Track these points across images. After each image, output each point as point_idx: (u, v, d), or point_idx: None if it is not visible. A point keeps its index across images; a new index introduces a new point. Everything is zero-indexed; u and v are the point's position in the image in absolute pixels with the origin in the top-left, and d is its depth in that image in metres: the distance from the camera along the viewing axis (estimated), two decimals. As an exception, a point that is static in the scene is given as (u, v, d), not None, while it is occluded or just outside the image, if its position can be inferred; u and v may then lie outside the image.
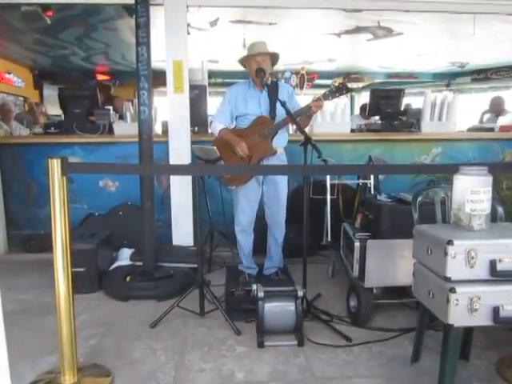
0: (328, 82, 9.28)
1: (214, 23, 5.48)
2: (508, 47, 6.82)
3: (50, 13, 4.61)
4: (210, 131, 3.58)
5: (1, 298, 1.25)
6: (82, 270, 3.06)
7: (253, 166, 2.93)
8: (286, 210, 3.17)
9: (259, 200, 3.14)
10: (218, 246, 3.87)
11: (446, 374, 1.76)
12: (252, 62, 2.96)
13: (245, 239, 3.19)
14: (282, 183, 3.11)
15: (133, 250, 3.68)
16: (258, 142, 2.95)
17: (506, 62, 8.61)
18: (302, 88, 7.65)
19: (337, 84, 2.98)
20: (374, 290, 2.65)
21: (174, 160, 3.82)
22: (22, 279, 3.44)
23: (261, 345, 2.37)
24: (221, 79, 8.81)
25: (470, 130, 4.89)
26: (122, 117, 4.49)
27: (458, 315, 1.64)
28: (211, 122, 3.22)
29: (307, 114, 2.92)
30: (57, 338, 1.94)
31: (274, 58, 3.04)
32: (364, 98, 7.88)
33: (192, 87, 4.13)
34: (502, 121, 5.16)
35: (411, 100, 7.09)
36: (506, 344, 2.33)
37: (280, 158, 3.07)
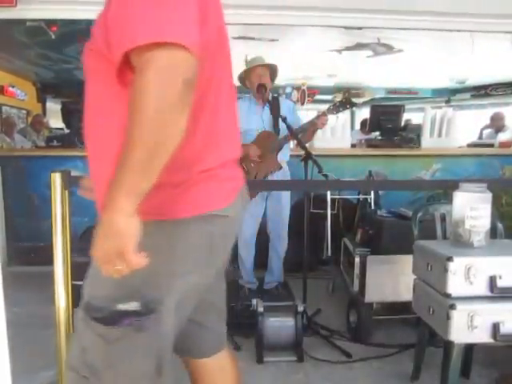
0: (329, 97, 9.34)
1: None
2: (507, 64, 6.87)
3: (55, 28, 4.67)
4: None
5: (4, 312, 1.25)
6: (81, 283, 3.04)
7: (254, 182, 2.93)
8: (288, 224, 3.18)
9: (262, 214, 3.14)
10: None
11: (447, 391, 1.75)
12: (252, 76, 2.99)
13: (247, 253, 3.19)
14: (285, 197, 3.13)
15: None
16: (266, 157, 2.97)
17: (505, 79, 8.67)
18: (303, 103, 7.69)
19: (340, 99, 3.00)
20: (374, 306, 2.65)
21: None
22: (20, 292, 3.41)
23: (260, 360, 2.35)
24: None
25: (469, 145, 4.92)
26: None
27: (458, 332, 1.64)
28: None
29: (312, 129, 2.94)
30: (55, 352, 1.92)
31: (272, 71, 3.07)
32: (364, 113, 7.93)
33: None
34: (502, 137, 5.21)
35: (411, 116, 7.11)
36: (506, 361, 2.31)
37: (285, 173, 3.08)
